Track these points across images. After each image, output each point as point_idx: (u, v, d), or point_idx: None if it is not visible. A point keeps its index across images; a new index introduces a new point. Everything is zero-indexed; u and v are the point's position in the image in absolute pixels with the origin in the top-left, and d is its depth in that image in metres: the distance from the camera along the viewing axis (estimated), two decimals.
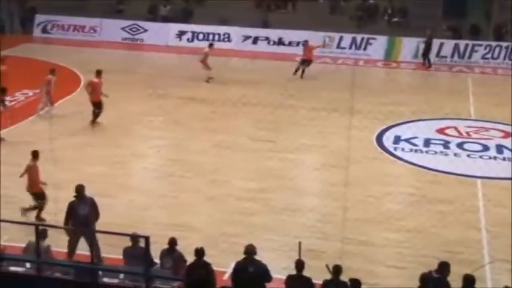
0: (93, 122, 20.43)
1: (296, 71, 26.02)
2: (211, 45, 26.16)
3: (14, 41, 30.59)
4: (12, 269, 11.32)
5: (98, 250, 12.67)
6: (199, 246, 10.86)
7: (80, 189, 13.01)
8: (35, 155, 14.80)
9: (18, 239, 12.61)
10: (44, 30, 32.34)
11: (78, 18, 32.16)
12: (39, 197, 14.61)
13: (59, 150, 17.69)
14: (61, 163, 16.87)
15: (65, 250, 12.85)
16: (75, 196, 12.92)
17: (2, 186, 16.31)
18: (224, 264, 12.20)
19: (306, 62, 26.23)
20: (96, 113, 20.43)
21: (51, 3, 32.17)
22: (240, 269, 10.72)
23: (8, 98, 22.63)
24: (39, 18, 32.51)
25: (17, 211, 14.36)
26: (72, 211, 12.79)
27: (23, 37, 31.45)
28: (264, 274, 10.63)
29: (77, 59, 27.70)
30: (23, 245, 12.20)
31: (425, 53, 28.63)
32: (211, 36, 31.06)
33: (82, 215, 12.81)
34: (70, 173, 16.54)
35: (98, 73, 20.62)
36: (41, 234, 11.46)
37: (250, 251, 10.73)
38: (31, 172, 14.67)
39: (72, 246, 12.69)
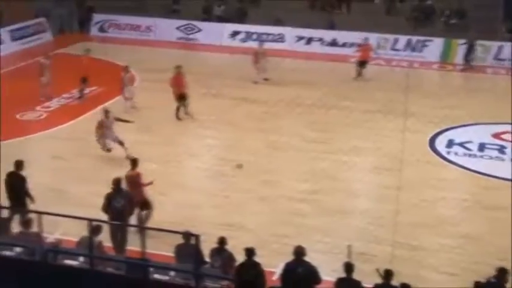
0: (186, 113, 21.18)
1: (357, 74, 25.76)
2: (261, 43, 25.95)
3: (72, 39, 31.20)
4: (67, 262, 11.54)
5: (125, 243, 12.88)
6: (250, 246, 10.85)
7: (116, 183, 13.26)
8: (135, 163, 14.39)
9: (72, 233, 12.84)
10: (101, 29, 32.88)
11: (134, 18, 32.58)
12: (145, 206, 14.22)
13: (113, 147, 17.96)
14: (115, 160, 17.11)
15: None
16: (112, 189, 13.15)
17: (58, 181, 16.69)
18: (273, 265, 12.16)
19: (362, 63, 25.96)
20: (185, 105, 21.12)
21: (108, 3, 32.67)
22: (289, 270, 10.68)
23: (65, 95, 23.17)
24: (97, 17, 33.08)
25: (71, 205, 14.59)
26: (108, 203, 13.06)
27: (80, 36, 32.03)
28: (313, 276, 10.57)
29: (132, 57, 27.95)
30: (77, 239, 12.41)
31: (468, 55, 28.02)
32: (264, 37, 31.04)
33: (116, 208, 13.04)
34: (123, 171, 16.70)
35: (177, 68, 21.32)
36: (94, 230, 11.67)
37: (299, 252, 10.68)
38: (132, 181, 14.14)
39: (114, 237, 12.89)
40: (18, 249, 11.89)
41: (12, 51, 28.89)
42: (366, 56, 26.24)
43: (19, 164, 13.82)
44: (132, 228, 13.04)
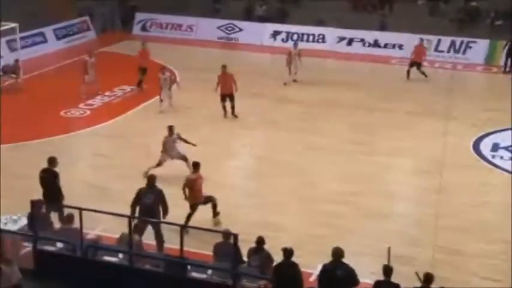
0: (233, 113, 21.24)
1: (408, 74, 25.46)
2: (296, 44, 25.63)
3: (115, 38, 31.56)
4: (107, 258, 11.65)
5: (161, 240, 12.97)
6: (288, 247, 10.81)
7: (150, 179, 13.39)
8: (197, 166, 14.59)
9: (112, 229, 12.97)
10: (143, 28, 33.18)
11: (176, 17, 32.80)
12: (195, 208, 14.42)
13: (154, 145, 18.07)
14: (156, 158, 17.21)
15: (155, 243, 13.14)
16: (146, 185, 13.27)
17: (99, 178, 16.88)
18: (311, 266, 12.11)
19: (416, 64, 25.60)
20: (231, 106, 21.13)
21: (151, 2, 32.98)
22: (327, 272, 10.61)
23: (107, 93, 23.43)
24: (139, 16, 33.38)
25: (112, 202, 14.73)
26: (138, 198, 13.17)
27: (123, 34, 32.37)
28: (351, 278, 10.49)
29: (173, 56, 28.21)
30: (117, 236, 12.53)
31: (508, 57, 27.45)
32: (305, 37, 30.97)
33: (146, 204, 13.15)
34: (163, 169, 16.86)
35: (223, 67, 21.27)
36: (134, 228, 11.79)
37: (338, 253, 10.60)
38: (194, 184, 14.37)
39: (138, 233, 12.96)
40: (59, 245, 12.07)
41: (57, 50, 29.35)
42: (418, 58, 25.79)
43: (52, 161, 14.00)
44: (172, 226, 13.06)
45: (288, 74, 24.74)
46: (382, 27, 30.78)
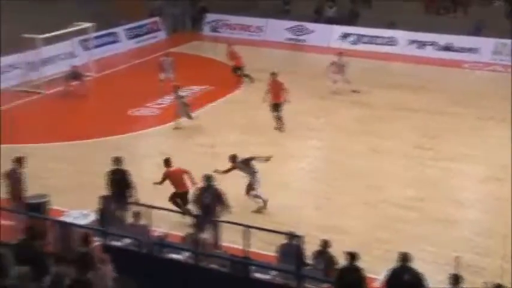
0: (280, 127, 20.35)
1: None
2: (340, 55, 24.17)
3: (185, 38, 31.95)
4: (173, 256, 11.81)
5: (218, 239, 13.09)
6: (353, 251, 10.73)
7: (207, 179, 13.49)
8: (167, 162, 14.79)
9: (178, 227, 13.15)
10: (213, 29, 33.47)
11: (246, 18, 32.95)
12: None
13: (220, 145, 18.26)
14: (220, 158, 17.34)
15: (223, 243, 13.24)
16: (202, 184, 13.46)
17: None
18: (375, 271, 11.98)
19: None
20: (278, 116, 20.21)
21: (221, 2, 33.26)
22: (395, 276, 10.49)
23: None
24: (210, 17, 33.70)
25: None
26: (197, 198, 13.38)
27: (193, 35, 32.75)
28: (419, 283, 10.35)
29: (242, 57, 28.33)
30: (182, 234, 12.70)
31: None
32: (375, 39, 30.65)
33: (205, 203, 13.29)
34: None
35: (272, 75, 20.56)
36: (200, 227, 11.94)
37: (405, 258, 10.49)
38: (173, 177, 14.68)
39: (199, 232, 13.07)
40: (127, 241, 12.31)
41: (127, 49, 29.92)
42: None
43: (118, 160, 14.26)
44: (235, 226, 13.13)
45: (332, 83, 23.45)
46: (477, 29, 29.65)
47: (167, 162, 14.82)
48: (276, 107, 20.14)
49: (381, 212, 15.42)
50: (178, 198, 14.54)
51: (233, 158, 15.26)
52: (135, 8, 31.88)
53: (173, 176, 14.65)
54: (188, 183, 14.53)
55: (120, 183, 13.99)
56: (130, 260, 11.72)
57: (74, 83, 23.67)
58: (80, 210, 13.49)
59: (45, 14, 26.93)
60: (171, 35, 32.56)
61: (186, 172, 14.66)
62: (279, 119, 20.14)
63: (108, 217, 12.74)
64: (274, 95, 20.17)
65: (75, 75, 23.76)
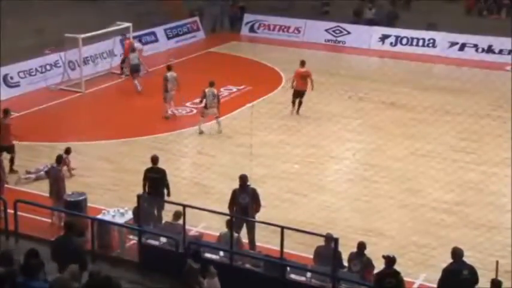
0: (297, 111, 21.54)
1: None
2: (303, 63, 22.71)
3: (223, 38, 32.03)
4: (208, 255, 11.82)
5: (254, 239, 13.06)
6: (391, 254, 10.61)
7: (243, 179, 13.42)
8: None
9: (214, 227, 13.16)
10: (251, 29, 33.48)
11: (284, 19, 32.88)
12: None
13: (258, 146, 18.22)
14: (258, 159, 17.35)
15: (258, 243, 13.22)
16: (239, 185, 13.32)
17: (202, 176, 17.18)
18: (413, 275, 11.84)
19: None
20: (299, 102, 21.46)
21: (259, 3, 33.27)
22: (453, 272, 10.39)
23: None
24: (248, 17, 33.72)
25: (214, 201, 14.95)
26: (234, 199, 13.26)
27: (231, 35, 32.81)
28: (477, 279, 10.28)
29: (280, 58, 28.33)
30: (218, 234, 12.70)
31: None
32: (415, 41, 30.32)
33: (242, 204, 13.21)
34: (265, 169, 16.98)
35: (303, 63, 21.70)
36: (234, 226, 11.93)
37: (460, 254, 10.45)
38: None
39: (236, 232, 13.04)
40: (163, 239, 12.36)
41: (167, 49, 30.10)
42: None
43: (155, 159, 14.34)
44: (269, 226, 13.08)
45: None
46: None
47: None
48: (299, 93, 21.39)
49: (420, 216, 15.22)
50: None
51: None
52: (175, 8, 32.10)
53: None
54: None
55: (156, 181, 14.06)
56: (166, 259, 11.78)
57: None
58: (117, 209, 13.58)
59: (88, 14, 27.31)
60: (209, 35, 32.67)
61: None
62: (299, 104, 21.44)
63: (144, 215, 12.80)
64: (299, 83, 21.25)
65: (136, 69, 24.08)
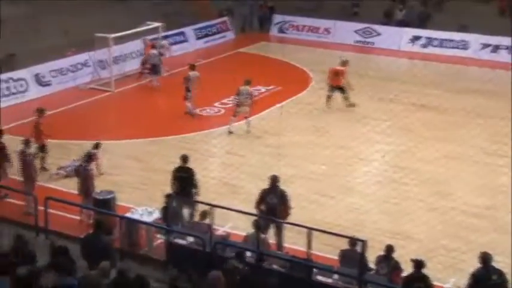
0: (348, 104, 21.99)
1: None
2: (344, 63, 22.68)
3: (253, 39, 32.01)
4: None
5: (281, 241, 13.01)
6: (420, 258, 10.50)
7: (273, 180, 13.37)
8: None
9: (241, 227, 13.14)
10: (280, 30, 33.41)
11: (313, 20, 32.75)
12: None
13: (286, 146, 18.19)
14: (287, 159, 17.30)
15: (285, 244, 13.17)
16: (268, 185, 13.30)
17: (231, 176, 17.18)
18: (441, 279, 11.69)
19: None
20: (345, 96, 21.93)
21: (288, 3, 33.21)
22: (483, 277, 10.33)
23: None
24: (277, 18, 33.66)
25: (241, 201, 14.92)
26: (262, 199, 13.23)
27: (260, 35, 32.78)
28: (506, 284, 10.10)
29: (309, 59, 28.25)
30: (245, 234, 12.68)
31: None
32: (446, 43, 30.00)
33: (269, 204, 13.16)
34: (294, 170, 16.92)
35: (344, 63, 22.21)
36: (260, 227, 11.91)
37: (489, 258, 10.38)
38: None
39: (263, 233, 12.98)
40: (190, 239, 12.38)
41: (196, 49, 30.18)
42: None
43: (185, 158, 14.36)
44: (295, 227, 13.02)
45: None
46: None
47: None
48: (332, 88, 22.03)
49: (449, 219, 15.05)
50: None
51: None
52: (203, 8, 32.17)
53: None
54: None
55: (185, 181, 14.08)
56: (193, 258, 11.77)
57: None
58: (145, 207, 13.63)
59: (116, 14, 27.51)
60: (238, 35, 32.68)
61: None
62: (329, 98, 22.03)
63: (171, 215, 12.83)
64: (332, 78, 21.99)
65: (155, 68, 24.26)
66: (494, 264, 12.63)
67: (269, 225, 13.14)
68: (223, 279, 9.55)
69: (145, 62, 25.07)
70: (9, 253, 10.15)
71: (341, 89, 22.03)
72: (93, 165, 15.10)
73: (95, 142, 16.35)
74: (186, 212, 13.92)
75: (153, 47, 24.90)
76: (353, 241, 11.39)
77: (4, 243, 10.94)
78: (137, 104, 23.07)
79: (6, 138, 16.34)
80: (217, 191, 15.81)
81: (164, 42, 26.19)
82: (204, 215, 12.87)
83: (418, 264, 10.44)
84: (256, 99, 21.13)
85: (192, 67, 21.81)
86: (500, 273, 10.17)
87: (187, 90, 21.24)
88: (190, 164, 14.41)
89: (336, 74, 22.09)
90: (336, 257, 11.93)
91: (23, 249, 10.16)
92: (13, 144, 16.23)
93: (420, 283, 10.25)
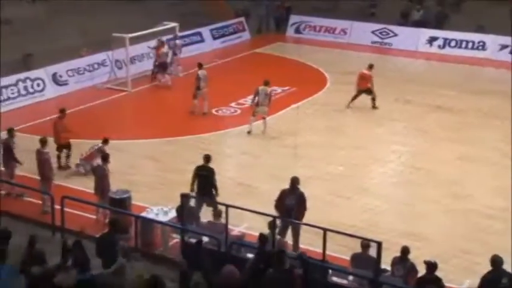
0: (373, 106, 22.10)
1: None
2: (370, 67, 22.72)
3: (269, 39, 32.00)
4: (250, 255, 11.81)
5: (298, 241, 13.00)
6: (433, 260, 10.46)
7: (293, 181, 13.33)
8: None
9: (256, 227, 13.14)
10: (297, 30, 33.36)
11: (330, 20, 32.67)
12: None
13: (302, 147, 18.18)
14: (303, 160, 17.30)
15: (301, 245, 13.18)
16: (289, 186, 13.27)
17: (246, 176, 17.21)
18: (455, 281, 11.64)
19: None
20: (372, 98, 22.06)
21: (304, 3, 33.16)
22: (493, 281, 10.25)
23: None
24: (294, 18, 33.60)
25: (257, 201, 14.94)
26: (281, 199, 13.20)
27: (277, 36, 32.76)
28: None
29: (325, 59, 28.20)
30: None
31: None
32: (464, 44, 29.83)
33: (287, 205, 13.14)
34: (310, 170, 16.90)
35: (370, 67, 22.34)
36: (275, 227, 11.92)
37: (500, 261, 10.30)
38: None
39: (281, 234, 13.02)
40: (205, 239, 12.40)
41: (212, 49, 30.23)
42: None
43: (208, 158, 14.42)
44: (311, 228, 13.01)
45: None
46: None
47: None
48: (359, 91, 22.17)
49: (465, 221, 14.98)
50: None
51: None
52: (219, 8, 32.22)
53: None
54: None
55: (205, 179, 14.16)
56: (208, 258, 11.79)
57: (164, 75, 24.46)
58: (160, 207, 13.69)
59: (135, 14, 27.63)
60: (255, 36, 32.69)
61: None
62: (353, 98, 22.12)
63: (187, 214, 12.87)
64: (359, 82, 22.24)
65: (164, 66, 24.35)
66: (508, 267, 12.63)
67: (288, 227, 13.13)
68: (237, 274, 9.57)
69: (157, 62, 25.17)
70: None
71: (367, 92, 22.06)
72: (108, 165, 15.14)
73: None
74: (206, 211, 13.95)
75: (162, 42, 24.94)
76: (365, 243, 11.34)
77: (18, 241, 11.01)
78: (153, 104, 23.17)
79: (24, 137, 16.49)
80: (233, 191, 15.84)
81: (178, 41, 26.28)
82: (218, 214, 12.91)
83: (431, 266, 10.41)
84: (272, 99, 21.12)
85: (200, 66, 21.99)
86: (510, 277, 10.07)
87: (198, 88, 21.38)
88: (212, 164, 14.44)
89: (362, 78, 22.17)
90: (348, 257, 11.91)
91: (33, 250, 10.25)
92: (30, 143, 16.38)
93: (432, 285, 10.21)
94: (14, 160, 15.69)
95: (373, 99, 22.13)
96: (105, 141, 16.46)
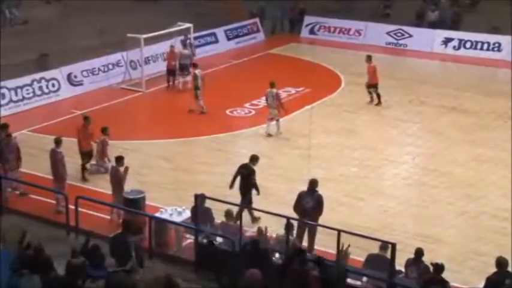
0: (379, 102, 22.32)
1: None
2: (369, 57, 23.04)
3: (283, 40, 31.99)
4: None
5: (313, 243, 13.03)
6: (440, 262, 10.46)
7: (311, 184, 13.34)
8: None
9: (269, 228, 13.11)
10: (311, 31, 33.32)
11: (345, 21, 32.61)
12: None
13: (316, 148, 18.15)
14: (316, 161, 17.26)
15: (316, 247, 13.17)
16: (307, 188, 13.29)
17: (259, 177, 17.15)
18: (470, 282, 11.60)
19: None
20: (377, 94, 22.28)
21: (319, 4, 33.11)
22: (496, 282, 10.24)
23: None
24: (308, 19, 33.56)
25: (271, 202, 14.94)
26: (299, 201, 13.23)
27: (291, 37, 32.74)
28: None
29: (339, 60, 28.16)
30: (274, 235, 12.68)
31: None
32: (479, 45, 29.67)
33: (305, 208, 13.14)
34: (323, 172, 16.87)
35: (369, 58, 22.63)
36: (290, 228, 11.91)
37: (505, 263, 10.27)
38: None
39: (299, 235, 12.98)
40: (219, 239, 12.43)
41: (227, 50, 30.26)
42: None
43: (254, 158, 14.80)
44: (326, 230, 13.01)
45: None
46: None
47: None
48: (370, 87, 22.38)
49: (480, 223, 14.91)
50: None
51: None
52: (235, 9, 32.24)
53: None
54: None
55: (244, 177, 14.50)
56: (222, 259, 11.82)
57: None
58: (174, 207, 13.72)
59: (150, 14, 27.71)
60: (269, 37, 32.69)
61: None
62: (371, 95, 22.39)
63: (201, 215, 12.88)
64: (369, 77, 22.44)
65: (181, 68, 24.45)
66: None
67: (305, 230, 13.11)
68: (261, 278, 9.55)
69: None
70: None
71: (374, 86, 22.34)
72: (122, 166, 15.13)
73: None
74: (249, 211, 14.17)
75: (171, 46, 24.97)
76: (384, 245, 11.31)
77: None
78: (168, 104, 23.23)
79: (38, 137, 16.52)
80: None
81: (193, 41, 26.35)
82: (229, 214, 12.91)
83: (438, 268, 10.39)
84: (285, 100, 21.12)
85: (195, 65, 22.29)
86: None
87: (197, 88, 21.53)
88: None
89: (368, 73, 22.48)
90: (362, 259, 11.88)
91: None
92: (45, 143, 16.46)
93: (438, 286, 10.20)
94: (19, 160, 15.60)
95: (378, 96, 22.32)
96: (104, 131, 16.44)
